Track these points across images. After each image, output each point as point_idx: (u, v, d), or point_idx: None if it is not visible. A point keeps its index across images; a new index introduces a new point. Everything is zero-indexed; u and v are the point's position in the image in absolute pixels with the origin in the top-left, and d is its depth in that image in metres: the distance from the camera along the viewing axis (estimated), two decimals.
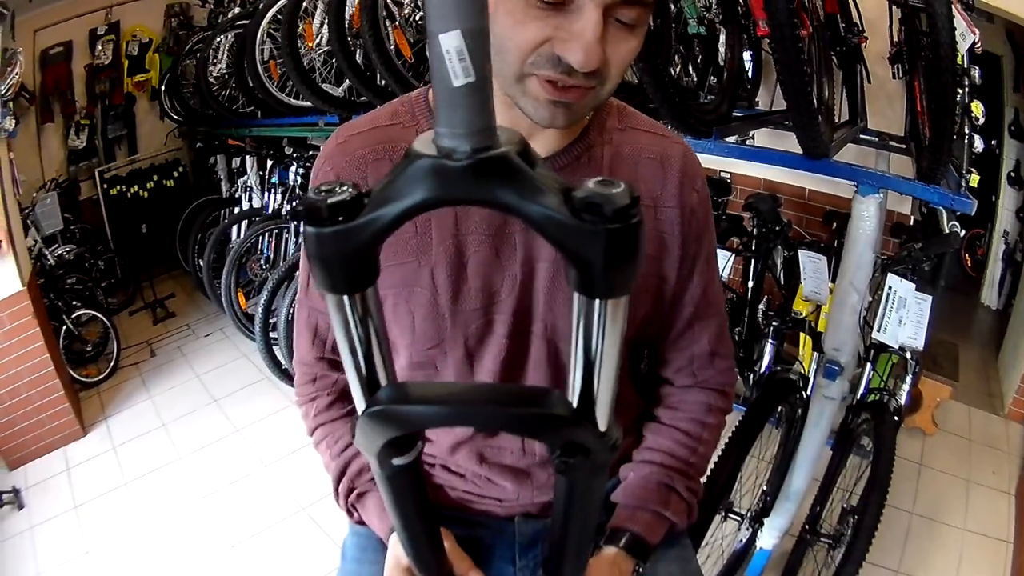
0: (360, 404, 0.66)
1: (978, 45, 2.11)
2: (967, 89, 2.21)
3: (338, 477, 1.22)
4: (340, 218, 0.54)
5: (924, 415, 3.68)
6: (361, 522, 1.22)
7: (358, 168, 1.07)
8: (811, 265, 2.63)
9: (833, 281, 2.55)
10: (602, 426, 0.66)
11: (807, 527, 2.56)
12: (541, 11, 0.85)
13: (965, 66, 2.17)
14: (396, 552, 1.04)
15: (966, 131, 2.27)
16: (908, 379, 2.54)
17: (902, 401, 2.55)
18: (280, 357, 4.37)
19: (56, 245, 5.52)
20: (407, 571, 1.00)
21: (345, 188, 0.54)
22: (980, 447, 3.69)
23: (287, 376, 4.40)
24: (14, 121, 4.11)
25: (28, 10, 5.14)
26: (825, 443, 2.58)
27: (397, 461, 0.71)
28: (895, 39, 2.82)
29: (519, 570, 1.27)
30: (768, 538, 2.68)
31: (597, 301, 0.57)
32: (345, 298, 0.58)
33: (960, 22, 1.98)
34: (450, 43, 0.48)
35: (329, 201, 0.53)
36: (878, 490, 2.21)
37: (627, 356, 1.20)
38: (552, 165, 1.04)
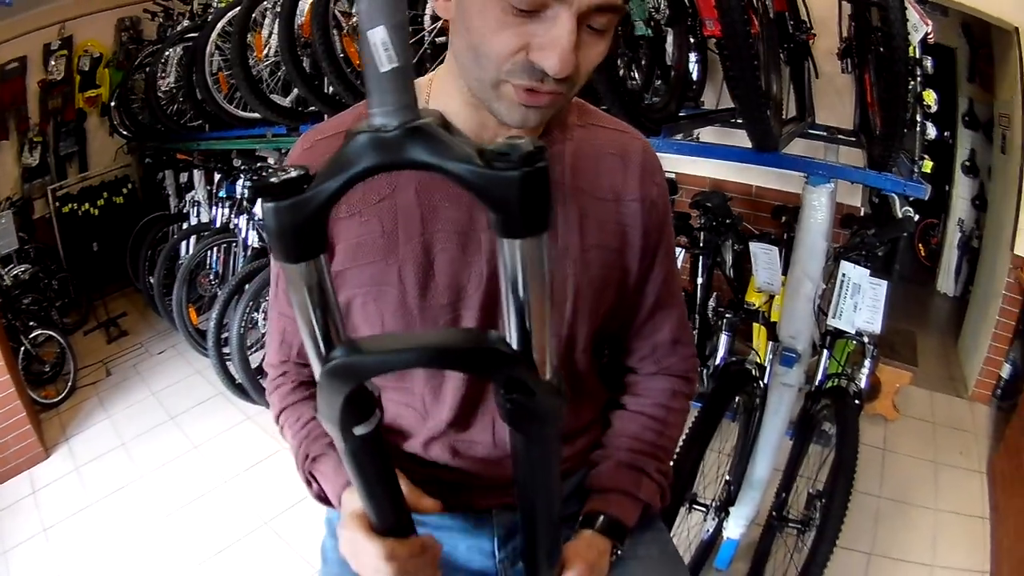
0: (317, 368, 0.73)
1: (931, 36, 2.16)
2: (920, 79, 2.25)
3: (297, 448, 1.21)
4: (294, 192, 0.62)
5: (884, 401, 3.74)
6: (320, 495, 1.19)
7: None
8: (763, 256, 2.67)
9: (785, 272, 2.57)
10: (543, 371, 0.73)
11: (774, 514, 2.60)
12: (516, 19, 0.86)
13: (918, 56, 2.21)
14: (353, 506, 1.00)
15: (919, 119, 2.31)
16: (867, 363, 2.59)
17: (862, 385, 2.60)
18: (234, 372, 4.33)
19: (12, 265, 5.49)
20: (364, 518, 0.97)
21: (294, 169, 0.63)
22: (945, 429, 3.75)
23: (241, 391, 4.39)
24: None
25: None
26: (785, 432, 2.61)
27: (358, 431, 0.77)
28: (844, 35, 2.88)
29: (499, 562, 1.27)
30: (735, 527, 2.71)
31: (519, 241, 0.64)
32: (301, 265, 0.66)
33: (912, 14, 2.03)
34: (376, 37, 0.57)
35: (282, 178, 0.62)
36: (845, 471, 2.23)
37: (591, 347, 1.21)
38: None
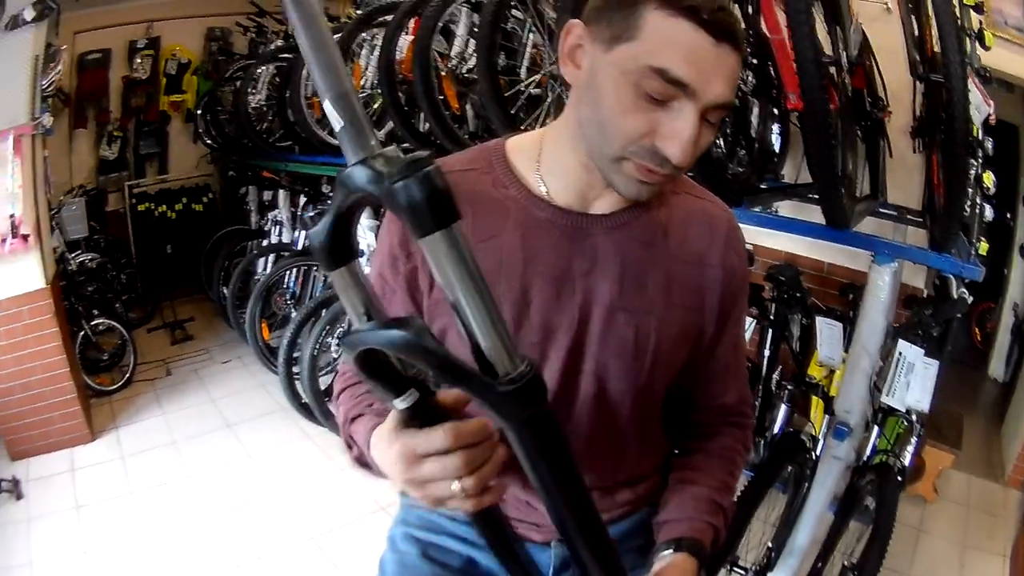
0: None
1: (992, 117, 2.20)
2: (980, 160, 2.30)
3: (343, 418, 1.22)
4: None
5: (926, 483, 3.73)
6: (359, 457, 1.15)
7: None
8: (828, 331, 2.72)
9: (847, 349, 2.62)
10: (499, 368, 0.74)
11: None
12: (648, 105, 0.97)
13: (980, 137, 2.27)
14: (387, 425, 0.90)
15: (978, 201, 2.36)
16: (913, 441, 2.61)
17: (906, 463, 2.61)
18: (300, 391, 4.38)
19: (79, 251, 5.60)
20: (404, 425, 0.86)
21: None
22: (978, 513, 3.74)
23: (306, 410, 4.44)
24: (51, 119, 4.19)
25: (69, 10, 5.14)
26: (828, 507, 2.64)
27: (399, 404, 0.80)
28: (918, 113, 2.89)
29: None
30: None
31: (427, 239, 0.68)
32: (337, 271, 0.75)
33: (976, 94, 2.08)
34: (326, 106, 0.68)
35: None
36: (879, 545, 2.30)
37: (661, 402, 1.30)
38: (613, 221, 1.17)
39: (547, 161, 1.18)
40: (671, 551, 1.16)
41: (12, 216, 3.93)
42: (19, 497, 3.87)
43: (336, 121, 0.69)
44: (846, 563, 2.50)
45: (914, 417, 2.52)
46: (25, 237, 3.99)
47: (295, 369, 4.39)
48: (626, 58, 0.96)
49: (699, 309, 1.22)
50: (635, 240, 1.17)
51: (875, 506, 2.44)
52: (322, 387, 4.25)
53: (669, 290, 1.18)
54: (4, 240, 3.94)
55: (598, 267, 1.16)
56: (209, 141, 6.61)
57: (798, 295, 3.01)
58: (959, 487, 3.95)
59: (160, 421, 4.78)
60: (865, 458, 2.65)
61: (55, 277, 4.48)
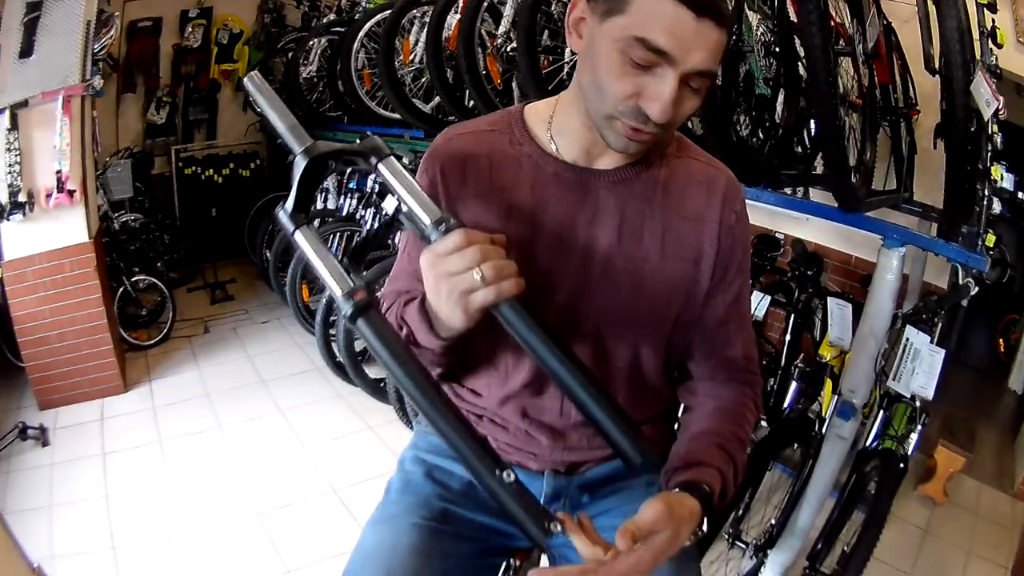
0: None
1: (1002, 112, 2.25)
2: (988, 153, 2.36)
3: (396, 310, 1.33)
4: None
5: (936, 484, 3.73)
6: (410, 337, 1.26)
7: (459, 163, 1.32)
8: (838, 312, 2.79)
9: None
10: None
11: (807, 563, 2.64)
12: (634, 70, 1.09)
13: (990, 132, 2.34)
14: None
15: (985, 193, 2.39)
16: (917, 430, 2.62)
17: (909, 450, 2.61)
18: (336, 351, 4.50)
19: (123, 211, 5.75)
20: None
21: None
22: (986, 522, 3.73)
23: (340, 370, 4.57)
24: (101, 81, 4.29)
25: None
26: (830, 491, 2.70)
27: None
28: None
29: None
30: (769, 574, 2.80)
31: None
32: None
33: (986, 89, 2.16)
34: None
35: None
36: (874, 525, 2.33)
37: (662, 353, 1.38)
38: (615, 176, 1.30)
39: (557, 122, 1.31)
40: (681, 491, 1.17)
41: (59, 172, 4.06)
42: (45, 444, 3.97)
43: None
44: (846, 548, 2.51)
45: (918, 403, 2.56)
46: (71, 193, 4.12)
47: (332, 332, 4.49)
48: (616, 29, 1.08)
49: (694, 261, 1.31)
50: (635, 194, 1.29)
51: (875, 488, 2.49)
52: (357, 349, 4.33)
53: (664, 241, 1.30)
54: (50, 195, 4.07)
55: (599, 217, 1.29)
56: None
57: (810, 273, 3.05)
58: (969, 493, 3.94)
59: (194, 375, 4.90)
60: (870, 441, 2.69)
61: (98, 233, 4.60)
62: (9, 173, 3.99)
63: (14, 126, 3.95)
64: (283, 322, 5.85)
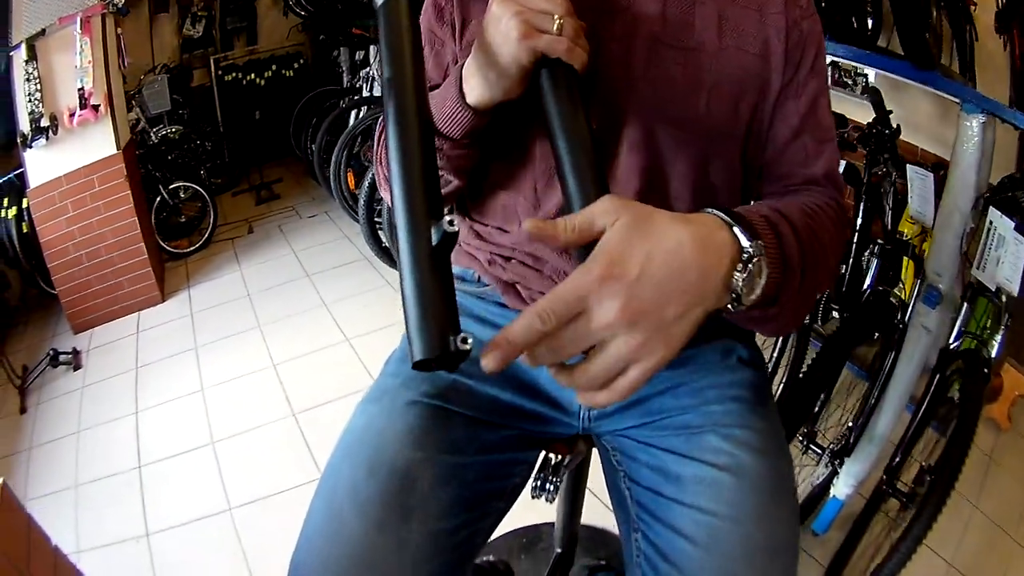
0: None
1: None
2: None
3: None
4: None
5: (1001, 407, 3.47)
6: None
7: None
8: (919, 181, 2.53)
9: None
10: None
11: (884, 478, 2.41)
12: None
13: None
14: None
15: None
16: (1000, 331, 2.37)
17: (993, 354, 2.38)
18: (383, 238, 4.38)
19: (162, 125, 5.68)
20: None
21: None
22: None
23: (387, 256, 4.45)
24: None
25: None
26: (908, 398, 2.50)
27: None
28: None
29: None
30: (843, 486, 2.60)
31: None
32: None
33: None
34: None
35: None
36: (961, 442, 2.11)
37: (734, 165, 1.13)
38: None
39: None
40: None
41: (81, 89, 4.06)
42: (77, 368, 3.95)
43: None
44: (924, 464, 2.34)
45: (1004, 299, 2.28)
46: (95, 108, 4.11)
47: (377, 219, 4.38)
48: None
49: (761, 55, 1.08)
50: None
51: (959, 398, 2.25)
52: None
53: (721, 30, 1.07)
54: (73, 114, 4.07)
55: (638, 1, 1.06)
56: (299, 10, 6.65)
57: (887, 132, 2.80)
58: None
59: (235, 277, 4.85)
60: (952, 339, 2.45)
61: (129, 145, 4.57)
62: (29, 102, 4.00)
63: (32, 57, 3.98)
64: (330, 215, 5.77)
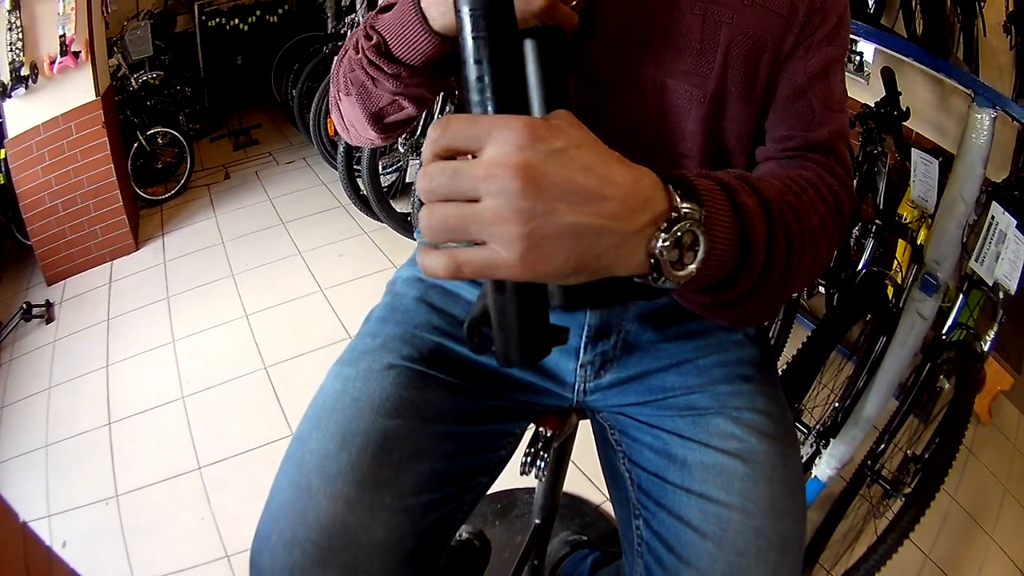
0: None
1: None
2: None
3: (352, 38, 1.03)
4: None
5: (983, 400, 3.49)
6: (378, 49, 0.95)
7: None
8: (922, 167, 2.51)
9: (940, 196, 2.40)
10: None
11: (868, 463, 2.40)
12: None
13: None
14: None
15: None
16: (994, 327, 2.35)
17: (986, 348, 2.36)
18: (361, 186, 4.25)
19: (143, 71, 5.60)
20: None
21: None
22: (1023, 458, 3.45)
23: (365, 205, 4.34)
24: None
25: None
26: (896, 387, 2.47)
27: None
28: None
29: (580, 366, 1.13)
30: (826, 467, 2.60)
31: None
32: None
33: None
34: None
35: None
36: (953, 434, 2.07)
37: (746, 129, 1.04)
38: None
39: None
40: None
41: (63, 36, 4.01)
42: (49, 320, 3.87)
43: None
44: (908, 453, 2.30)
45: (1001, 295, 2.24)
46: (76, 55, 4.06)
47: (356, 167, 4.27)
48: None
49: (787, 17, 0.98)
50: None
51: (953, 388, 2.24)
52: (384, 183, 4.15)
53: None
54: (54, 61, 4.02)
55: None
56: None
57: (895, 113, 2.74)
58: (1011, 421, 3.62)
59: (210, 224, 4.75)
60: (946, 328, 2.40)
61: (108, 91, 4.48)
62: (10, 51, 3.91)
63: (15, 7, 3.86)
64: (308, 161, 5.69)
